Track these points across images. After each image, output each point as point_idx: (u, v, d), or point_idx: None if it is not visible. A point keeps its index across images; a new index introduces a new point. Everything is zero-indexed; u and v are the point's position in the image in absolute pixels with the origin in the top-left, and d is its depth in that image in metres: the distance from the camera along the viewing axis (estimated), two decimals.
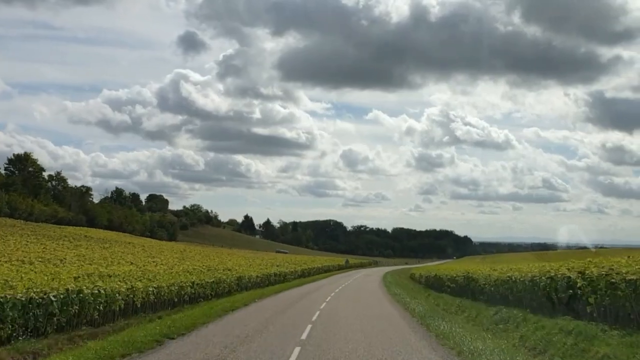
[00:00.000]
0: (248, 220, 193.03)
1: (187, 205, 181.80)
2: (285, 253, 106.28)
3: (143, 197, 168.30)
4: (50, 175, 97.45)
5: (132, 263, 31.89)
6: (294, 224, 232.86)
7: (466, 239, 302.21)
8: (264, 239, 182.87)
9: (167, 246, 65.32)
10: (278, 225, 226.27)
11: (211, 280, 22.53)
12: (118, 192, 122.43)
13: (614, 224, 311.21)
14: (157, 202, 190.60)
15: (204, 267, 30.89)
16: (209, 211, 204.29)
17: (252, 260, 49.00)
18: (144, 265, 28.33)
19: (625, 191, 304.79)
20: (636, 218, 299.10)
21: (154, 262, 34.48)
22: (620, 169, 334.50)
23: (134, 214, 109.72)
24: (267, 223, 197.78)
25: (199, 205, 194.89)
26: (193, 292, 20.13)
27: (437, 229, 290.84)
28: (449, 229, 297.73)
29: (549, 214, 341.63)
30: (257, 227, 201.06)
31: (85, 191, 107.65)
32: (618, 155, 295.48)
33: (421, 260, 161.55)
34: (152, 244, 62.05)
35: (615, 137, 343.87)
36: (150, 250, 48.41)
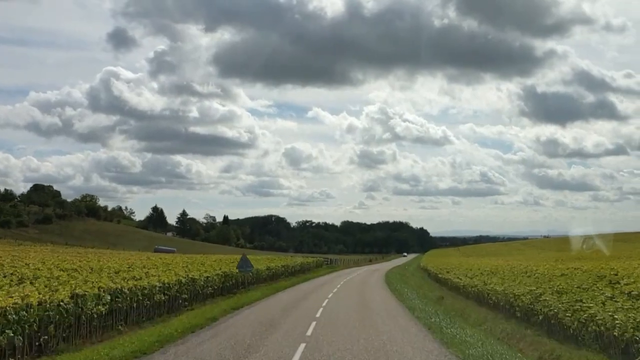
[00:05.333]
0: (158, 214, 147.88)
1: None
2: (171, 252, 65.99)
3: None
4: None
5: None
6: (225, 218, 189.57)
7: (423, 232, 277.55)
8: (178, 237, 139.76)
9: None
10: (205, 221, 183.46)
11: None
12: None
13: (549, 215, 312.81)
14: (43, 194, 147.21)
15: None
16: (124, 208, 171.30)
17: None
18: None
19: (559, 183, 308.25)
20: (569, 209, 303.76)
21: None
22: (554, 162, 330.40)
23: None
24: (183, 217, 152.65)
25: (93, 196, 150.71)
26: None
27: (391, 220, 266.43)
28: (401, 221, 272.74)
29: (487, 207, 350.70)
30: (174, 223, 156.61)
31: None
32: (552, 148, 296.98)
33: (385, 256, 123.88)
34: None
35: (549, 130, 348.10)
36: None
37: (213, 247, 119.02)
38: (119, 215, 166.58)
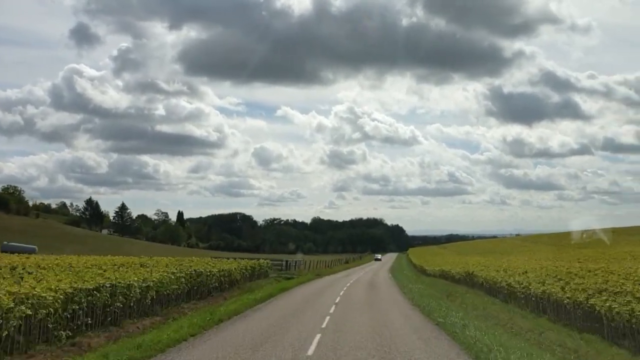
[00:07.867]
0: (93, 208, 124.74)
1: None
2: (30, 252, 45.95)
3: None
4: None
5: None
6: (179, 215, 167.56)
7: (398, 229, 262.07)
8: (116, 235, 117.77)
9: None
10: (156, 218, 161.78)
11: None
12: None
13: (515, 214, 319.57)
14: None
15: None
16: (70, 204, 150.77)
17: None
18: None
19: (526, 182, 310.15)
20: (535, 208, 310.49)
21: None
22: (520, 162, 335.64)
23: None
24: (121, 211, 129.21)
25: (16, 187, 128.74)
26: None
27: (364, 217, 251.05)
28: (375, 218, 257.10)
29: (455, 206, 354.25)
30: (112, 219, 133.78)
31: None
32: (518, 148, 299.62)
33: (362, 255, 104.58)
34: None
35: (515, 130, 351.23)
36: None
37: (152, 246, 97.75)
38: (60, 212, 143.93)
